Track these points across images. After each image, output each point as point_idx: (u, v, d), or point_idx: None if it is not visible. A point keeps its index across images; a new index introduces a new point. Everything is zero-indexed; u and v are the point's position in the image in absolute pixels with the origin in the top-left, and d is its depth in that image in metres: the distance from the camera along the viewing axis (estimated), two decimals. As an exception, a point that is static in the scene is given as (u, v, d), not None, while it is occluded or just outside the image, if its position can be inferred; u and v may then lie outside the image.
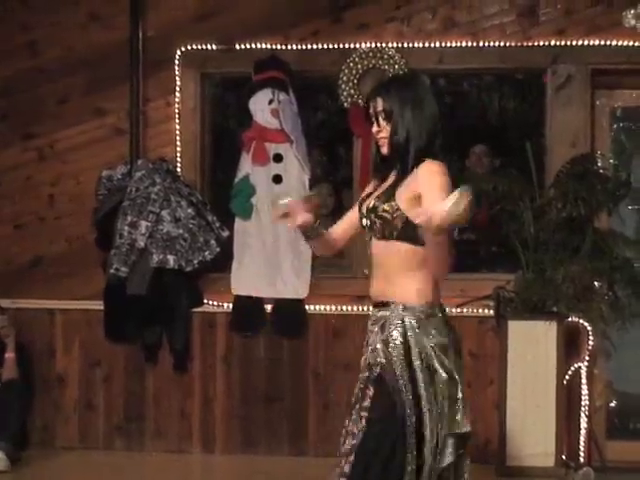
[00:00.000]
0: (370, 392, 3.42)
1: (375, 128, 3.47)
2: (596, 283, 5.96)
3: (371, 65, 6.49)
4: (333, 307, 6.52)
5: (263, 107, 6.55)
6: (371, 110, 3.48)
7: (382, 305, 3.46)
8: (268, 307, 6.57)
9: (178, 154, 6.72)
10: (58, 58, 6.87)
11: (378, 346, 3.42)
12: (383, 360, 3.39)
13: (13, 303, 6.74)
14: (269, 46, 6.63)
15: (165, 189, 6.52)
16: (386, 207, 3.38)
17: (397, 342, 3.37)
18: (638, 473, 5.93)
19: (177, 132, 6.73)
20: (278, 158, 6.57)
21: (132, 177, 6.57)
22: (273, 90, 6.53)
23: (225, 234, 6.58)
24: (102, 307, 6.54)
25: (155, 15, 6.79)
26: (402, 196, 3.36)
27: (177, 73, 6.73)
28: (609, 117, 6.46)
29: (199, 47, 6.70)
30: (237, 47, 6.67)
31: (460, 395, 3.40)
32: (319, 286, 6.55)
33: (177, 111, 6.74)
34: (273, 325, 6.56)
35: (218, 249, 6.53)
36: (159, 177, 6.53)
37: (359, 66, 6.49)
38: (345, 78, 6.50)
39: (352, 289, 6.46)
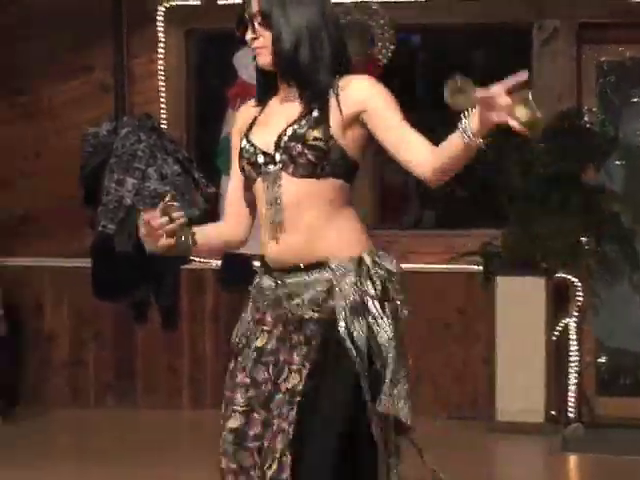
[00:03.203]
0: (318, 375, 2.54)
1: (249, 35, 2.59)
2: (584, 239, 5.55)
3: (355, 19, 6.03)
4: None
5: (247, 63, 5.84)
6: (245, 14, 2.60)
7: (310, 268, 2.57)
8: (257, 264, 6.17)
9: (164, 112, 6.39)
10: (43, 15, 6.44)
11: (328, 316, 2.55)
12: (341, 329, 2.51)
13: (0, 261, 6.40)
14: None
15: (151, 146, 6.17)
16: (317, 134, 2.52)
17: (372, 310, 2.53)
18: (628, 429, 5.62)
19: (162, 89, 6.38)
20: (264, 114, 6.16)
21: (118, 134, 6.21)
22: (257, 46, 6.11)
23: (211, 191, 6.23)
24: (90, 265, 6.20)
25: (138, -30, 6.33)
26: (334, 120, 2.54)
27: (160, 29, 6.33)
28: (595, 71, 5.98)
29: (183, 3, 6.33)
30: (220, 2, 6.25)
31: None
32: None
33: (161, 68, 6.36)
34: (261, 281, 6.17)
35: (205, 206, 6.17)
36: (144, 134, 6.18)
37: (344, 21, 5.93)
38: (331, 33, 6.06)
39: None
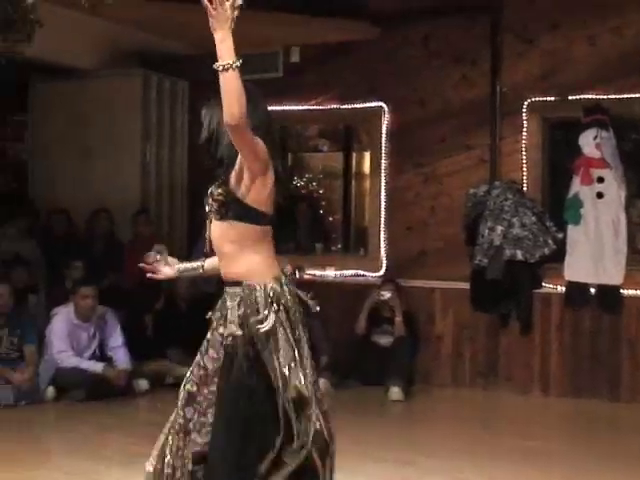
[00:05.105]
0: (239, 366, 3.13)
1: None
2: None
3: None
4: (643, 291, 6.83)
5: (589, 142, 6.97)
6: None
7: (233, 283, 3.21)
8: (592, 290, 6.98)
9: (525, 178, 7.26)
10: (438, 109, 7.61)
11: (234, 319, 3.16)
12: (239, 332, 3.14)
13: (405, 282, 7.55)
14: (594, 96, 7.01)
15: (515, 203, 7.03)
16: (220, 191, 3.16)
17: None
18: None
19: (524, 161, 7.26)
20: (600, 180, 6.94)
21: (490, 194, 7.12)
22: (597, 129, 6.90)
23: (560, 236, 7.00)
24: (468, 287, 7.18)
25: (509, 76, 7.40)
26: (233, 181, 3.17)
27: (524, 118, 7.26)
28: None
29: (542, 99, 7.21)
30: (570, 98, 7.08)
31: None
32: (632, 276, 6.88)
33: (524, 146, 7.26)
34: (596, 303, 6.98)
35: (554, 247, 6.96)
36: (511, 194, 7.06)
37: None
38: (654, 119, 6.88)
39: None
